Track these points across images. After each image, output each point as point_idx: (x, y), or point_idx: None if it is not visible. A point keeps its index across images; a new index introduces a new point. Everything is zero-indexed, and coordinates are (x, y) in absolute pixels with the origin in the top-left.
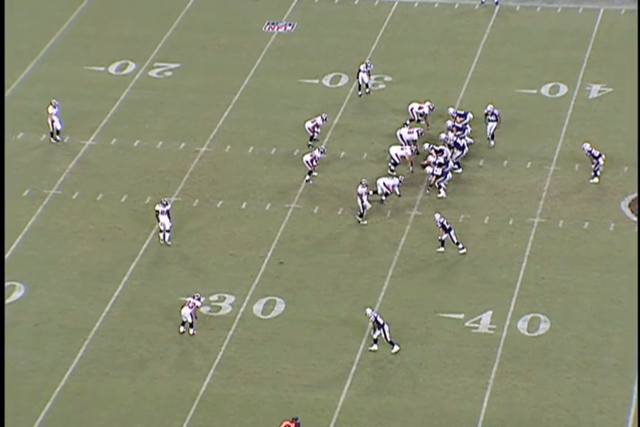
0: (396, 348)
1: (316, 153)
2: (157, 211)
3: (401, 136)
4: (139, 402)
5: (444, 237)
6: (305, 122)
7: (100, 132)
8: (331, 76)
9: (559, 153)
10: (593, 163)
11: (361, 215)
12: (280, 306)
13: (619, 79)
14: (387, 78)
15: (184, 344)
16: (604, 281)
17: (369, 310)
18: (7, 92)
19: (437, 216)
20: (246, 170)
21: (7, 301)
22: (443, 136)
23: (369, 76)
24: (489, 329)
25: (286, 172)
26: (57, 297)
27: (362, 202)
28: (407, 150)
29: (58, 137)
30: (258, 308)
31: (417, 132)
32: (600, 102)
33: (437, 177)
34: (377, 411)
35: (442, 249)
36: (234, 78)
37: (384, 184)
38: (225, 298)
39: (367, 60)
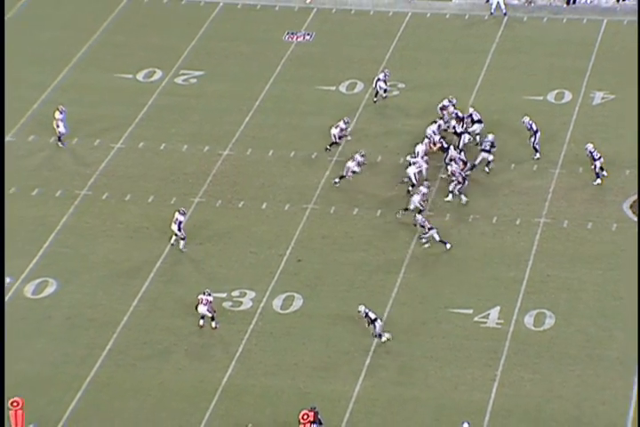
0: (385, 336)
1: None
2: (176, 219)
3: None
4: (164, 392)
5: (427, 235)
6: (330, 128)
7: (128, 136)
8: (347, 82)
9: (564, 156)
10: (593, 165)
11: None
12: (298, 301)
13: (621, 87)
14: (400, 85)
15: (207, 338)
16: (606, 279)
17: (362, 307)
18: (42, 97)
19: (419, 217)
20: (266, 172)
21: (40, 296)
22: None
23: (385, 83)
24: (497, 324)
25: (304, 174)
26: (87, 292)
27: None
28: (426, 143)
29: (59, 143)
30: (277, 303)
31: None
32: (603, 108)
33: (459, 183)
34: (390, 401)
35: (427, 244)
36: (255, 85)
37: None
38: (246, 294)
39: (386, 70)
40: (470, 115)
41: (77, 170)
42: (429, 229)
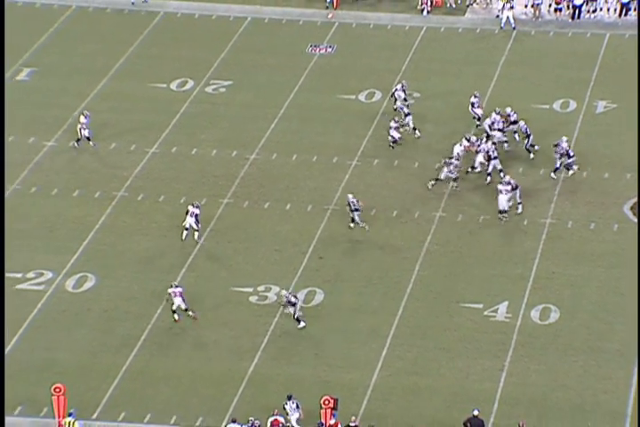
0: (302, 324)
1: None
2: (188, 210)
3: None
4: (195, 380)
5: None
6: (389, 129)
7: (162, 141)
8: (366, 92)
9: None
10: (569, 159)
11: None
12: (319, 296)
13: (622, 96)
14: (415, 94)
15: (235, 329)
16: (608, 276)
17: (284, 291)
18: (82, 105)
19: (350, 196)
20: (290, 175)
21: (80, 290)
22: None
23: (404, 93)
24: (505, 318)
25: (325, 177)
26: (123, 287)
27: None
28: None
29: (90, 143)
30: (300, 298)
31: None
32: (605, 117)
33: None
34: (405, 390)
35: (352, 225)
36: (280, 94)
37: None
38: (271, 289)
39: (403, 81)
40: (508, 115)
41: (115, 173)
42: (355, 210)
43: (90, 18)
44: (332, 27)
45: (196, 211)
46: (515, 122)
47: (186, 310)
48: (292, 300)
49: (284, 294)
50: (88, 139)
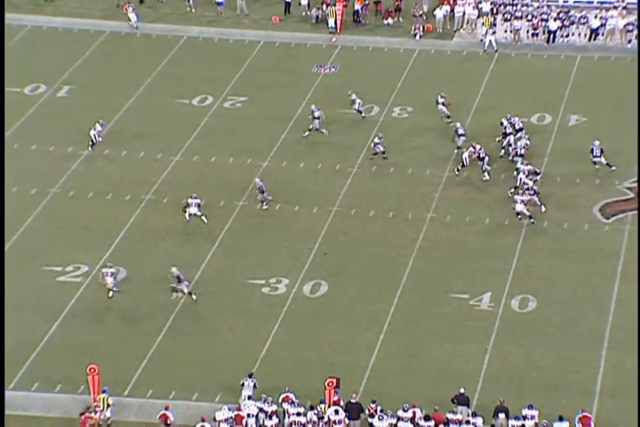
0: (194, 297)
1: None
2: (188, 203)
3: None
4: (213, 361)
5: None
6: (371, 143)
7: (184, 150)
8: (365, 107)
9: (544, 168)
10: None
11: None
12: (324, 287)
13: (592, 111)
14: (409, 109)
15: (249, 316)
16: (579, 269)
17: (174, 269)
18: (115, 118)
19: (257, 180)
20: (298, 180)
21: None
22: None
23: (445, 106)
24: (488, 306)
25: (329, 182)
26: (151, 279)
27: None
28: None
29: (90, 148)
30: (307, 289)
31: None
32: (577, 129)
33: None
34: (399, 370)
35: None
36: (289, 109)
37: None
38: (281, 281)
39: (442, 93)
40: (513, 124)
41: (143, 178)
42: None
43: (122, 42)
44: (336, 49)
45: (197, 201)
46: (521, 129)
47: (109, 289)
48: (182, 276)
49: (174, 271)
50: (94, 143)
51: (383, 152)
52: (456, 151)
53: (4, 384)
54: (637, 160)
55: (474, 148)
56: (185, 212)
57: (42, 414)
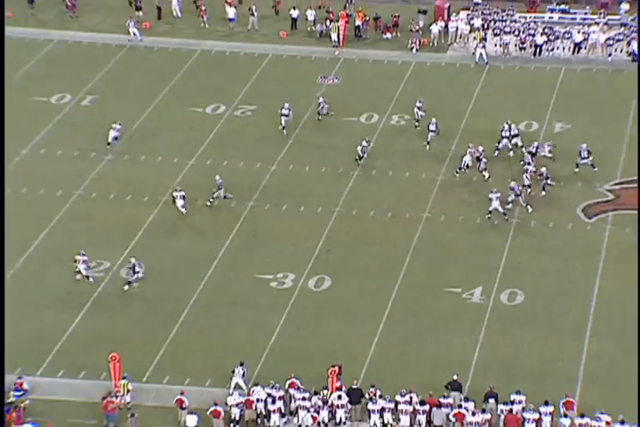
0: (126, 287)
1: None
2: (174, 196)
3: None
4: (225, 351)
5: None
6: (356, 146)
7: (198, 155)
8: (366, 115)
9: (531, 172)
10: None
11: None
12: (327, 282)
13: (575, 118)
14: (406, 117)
15: (258, 309)
16: (563, 266)
17: (132, 259)
18: (134, 126)
19: (218, 177)
20: (304, 183)
21: (132, 276)
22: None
23: (420, 109)
24: (480, 300)
25: (332, 184)
26: (167, 274)
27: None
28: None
29: (108, 146)
30: (311, 283)
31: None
32: (561, 135)
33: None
34: (397, 359)
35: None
36: (296, 116)
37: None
38: (287, 275)
39: (421, 99)
40: (510, 130)
41: (161, 181)
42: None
43: (140, 55)
44: (339, 62)
45: (181, 193)
46: (517, 135)
47: (84, 275)
48: (137, 269)
49: (134, 261)
50: (108, 143)
51: (361, 157)
52: (426, 145)
53: (4, 383)
54: (638, 160)
55: (477, 151)
56: (174, 203)
57: (67, 398)
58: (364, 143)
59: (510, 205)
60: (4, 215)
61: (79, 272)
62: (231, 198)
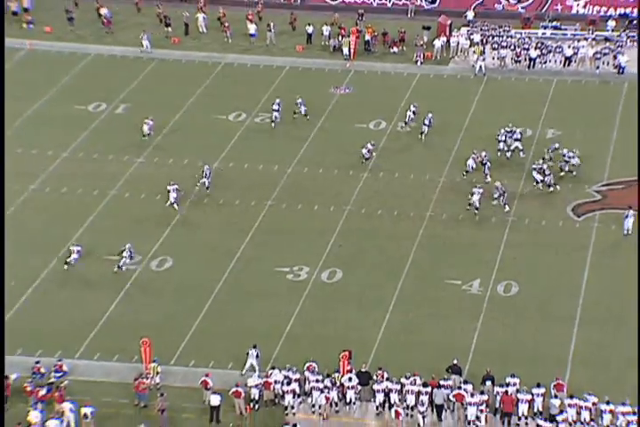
0: (115, 269)
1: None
2: (168, 190)
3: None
4: (245, 336)
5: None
6: (362, 148)
7: (222, 158)
8: (374, 121)
9: (525, 174)
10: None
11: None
12: (339, 274)
13: (565, 125)
14: (412, 124)
15: (275, 299)
16: (555, 260)
17: (128, 244)
18: (163, 131)
19: (206, 166)
20: (317, 184)
21: (161, 269)
22: None
23: (414, 114)
24: (478, 291)
25: (343, 185)
26: (193, 266)
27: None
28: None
29: (145, 137)
30: (324, 275)
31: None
32: (553, 140)
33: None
34: (403, 344)
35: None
36: (310, 123)
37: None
38: (302, 268)
39: (415, 103)
40: (513, 133)
41: (187, 182)
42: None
43: (169, 67)
44: (350, 73)
45: (174, 187)
46: (519, 139)
47: (66, 263)
48: (133, 255)
49: (128, 246)
50: (144, 135)
51: (367, 158)
52: (421, 136)
53: (4, 380)
54: (637, 161)
55: (480, 156)
56: (168, 198)
57: (102, 379)
58: (369, 146)
59: (495, 202)
60: (4, 215)
61: (68, 263)
62: (207, 189)
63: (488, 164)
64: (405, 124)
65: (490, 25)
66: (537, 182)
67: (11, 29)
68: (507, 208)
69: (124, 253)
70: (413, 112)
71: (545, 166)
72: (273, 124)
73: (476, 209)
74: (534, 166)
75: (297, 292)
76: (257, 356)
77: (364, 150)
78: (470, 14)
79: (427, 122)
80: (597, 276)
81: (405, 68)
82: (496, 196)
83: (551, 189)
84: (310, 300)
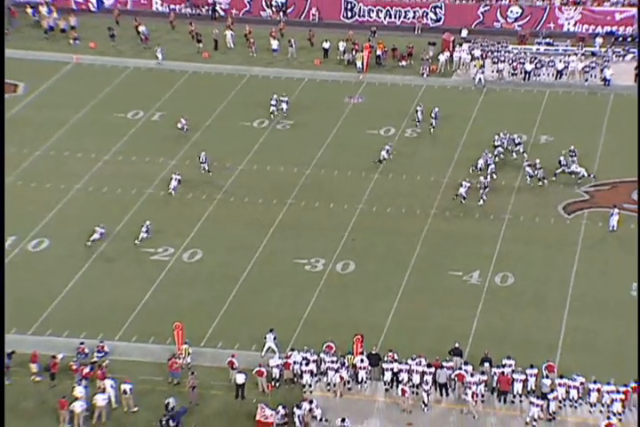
0: (136, 241)
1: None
2: (172, 177)
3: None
4: (267, 321)
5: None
6: (380, 150)
7: (247, 161)
8: (384, 128)
9: (520, 176)
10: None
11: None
12: (352, 266)
13: (558, 132)
14: (418, 130)
15: (294, 288)
16: (546, 253)
17: (148, 223)
18: (193, 139)
19: (203, 153)
20: (333, 184)
21: (192, 260)
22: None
23: (422, 113)
24: (477, 281)
25: (356, 186)
26: (221, 258)
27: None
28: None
29: (183, 132)
30: (338, 267)
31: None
32: (546, 146)
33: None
34: (409, 329)
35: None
36: (326, 130)
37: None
38: (319, 260)
39: (421, 103)
40: (513, 139)
41: (216, 182)
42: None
43: (201, 79)
44: (362, 85)
45: (178, 177)
46: (519, 144)
47: (90, 241)
48: (150, 231)
49: (147, 223)
50: (180, 129)
51: (384, 159)
52: (430, 128)
53: (4, 378)
54: (637, 161)
55: (488, 158)
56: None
57: (139, 359)
58: (387, 147)
59: (482, 191)
60: (5, 215)
61: (93, 240)
62: (209, 173)
63: (492, 165)
64: (418, 122)
65: (489, 41)
66: (530, 177)
67: (59, 45)
68: (481, 202)
69: (142, 229)
70: (421, 111)
71: (537, 161)
72: (271, 117)
73: (463, 198)
74: (528, 163)
75: (314, 281)
76: (274, 338)
77: (383, 152)
78: (464, 32)
79: (433, 115)
80: (585, 268)
81: (413, 79)
82: (480, 186)
83: (540, 183)
84: (326, 289)
